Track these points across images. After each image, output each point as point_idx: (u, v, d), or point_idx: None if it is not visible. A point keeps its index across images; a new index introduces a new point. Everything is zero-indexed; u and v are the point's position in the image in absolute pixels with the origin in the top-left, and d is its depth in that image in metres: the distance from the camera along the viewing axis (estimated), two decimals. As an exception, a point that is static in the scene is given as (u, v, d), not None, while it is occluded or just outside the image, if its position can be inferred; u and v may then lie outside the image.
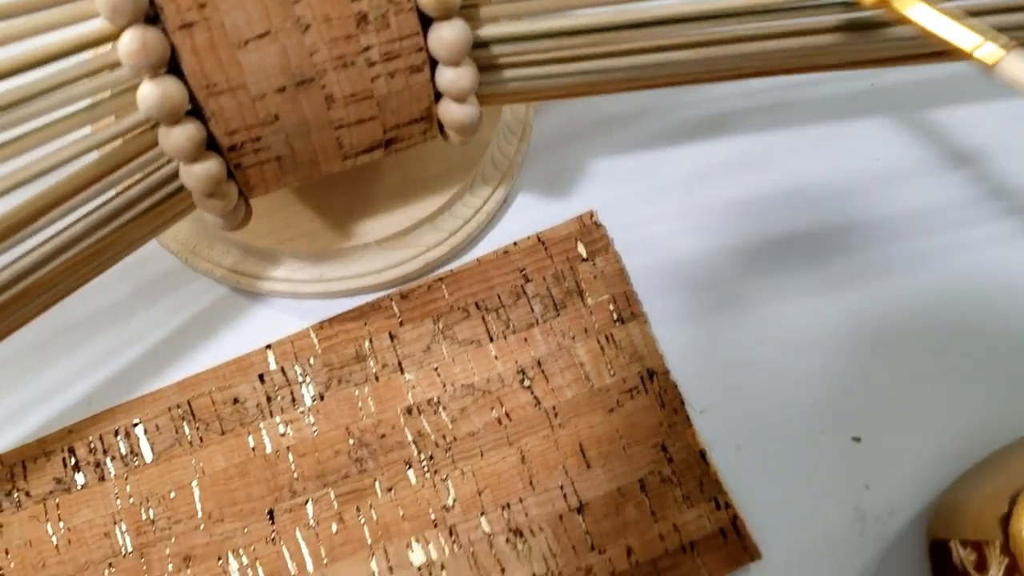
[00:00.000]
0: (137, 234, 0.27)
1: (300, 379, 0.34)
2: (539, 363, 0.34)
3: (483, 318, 0.35)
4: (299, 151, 0.27)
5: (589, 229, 0.36)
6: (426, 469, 0.33)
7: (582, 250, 0.36)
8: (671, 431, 0.34)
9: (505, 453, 0.33)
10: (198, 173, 0.25)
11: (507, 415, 0.34)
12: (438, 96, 0.27)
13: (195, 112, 0.25)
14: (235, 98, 0.25)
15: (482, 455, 0.33)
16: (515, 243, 0.36)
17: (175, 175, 0.26)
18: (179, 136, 0.24)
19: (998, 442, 0.33)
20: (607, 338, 0.35)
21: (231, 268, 0.34)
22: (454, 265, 0.35)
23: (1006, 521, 0.27)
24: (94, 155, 0.25)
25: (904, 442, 0.34)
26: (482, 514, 0.32)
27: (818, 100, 0.37)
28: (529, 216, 0.36)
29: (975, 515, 0.30)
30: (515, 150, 0.36)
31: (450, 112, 0.27)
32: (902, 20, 0.26)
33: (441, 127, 0.29)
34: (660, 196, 0.37)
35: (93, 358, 0.34)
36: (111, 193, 0.26)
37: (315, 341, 0.34)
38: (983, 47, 0.24)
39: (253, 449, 0.33)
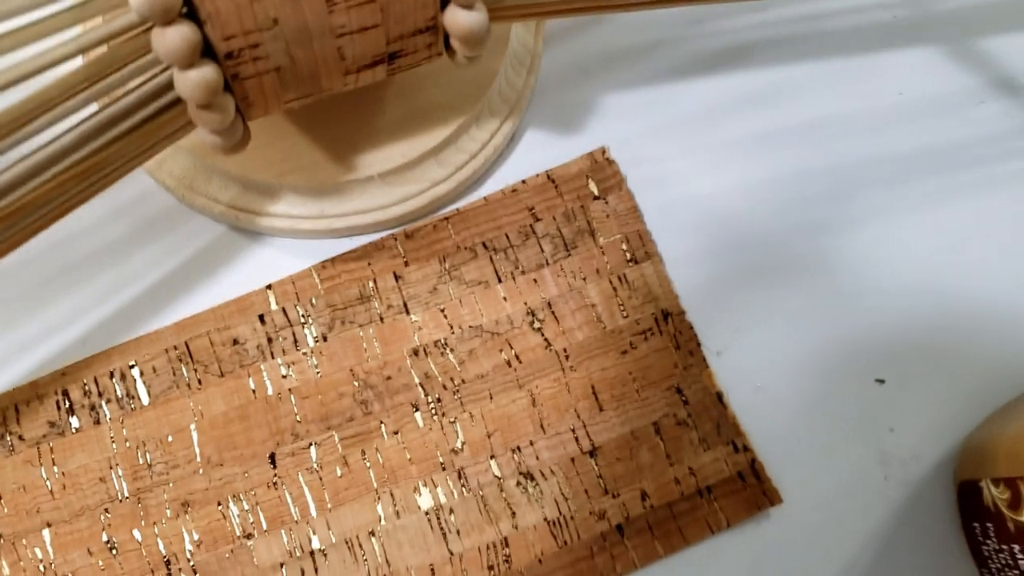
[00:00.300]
0: (131, 150, 0.26)
1: (302, 320, 0.33)
2: (549, 304, 0.33)
3: (491, 258, 0.33)
4: (299, 61, 0.26)
5: (601, 166, 0.35)
6: (434, 412, 0.32)
7: (594, 188, 0.34)
8: (686, 373, 0.32)
9: (515, 396, 0.32)
10: (194, 79, 0.24)
11: (517, 357, 0.32)
12: (444, 4, 0.26)
13: (191, 16, 0.24)
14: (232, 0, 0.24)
15: (491, 398, 0.32)
16: (524, 181, 0.34)
17: (170, 85, 0.25)
18: (173, 37, 0.23)
19: (1022, 386, 0.32)
20: (620, 279, 0.33)
21: (229, 204, 0.33)
22: (460, 204, 0.34)
23: (1042, 452, 0.26)
24: (81, 60, 0.24)
25: (929, 384, 0.32)
26: (492, 457, 0.31)
27: (838, 33, 0.36)
28: (538, 153, 0.35)
29: (1008, 452, 0.28)
30: (523, 82, 0.34)
31: (457, 19, 0.26)
32: None
33: (447, 43, 0.28)
34: (674, 132, 0.35)
35: (88, 299, 0.33)
36: (104, 101, 0.24)
37: (317, 281, 0.33)
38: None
39: (254, 391, 0.32)
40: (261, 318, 0.33)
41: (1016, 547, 0.27)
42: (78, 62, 0.24)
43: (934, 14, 0.37)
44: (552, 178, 0.35)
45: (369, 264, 0.33)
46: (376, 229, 0.33)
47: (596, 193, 0.34)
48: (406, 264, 0.33)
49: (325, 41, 0.25)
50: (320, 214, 0.33)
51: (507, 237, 0.34)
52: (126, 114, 0.25)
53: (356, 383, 0.32)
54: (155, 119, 0.25)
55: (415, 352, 0.32)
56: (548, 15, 0.29)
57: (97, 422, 0.32)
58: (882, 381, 0.33)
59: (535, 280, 0.33)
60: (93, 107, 0.25)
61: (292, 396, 0.32)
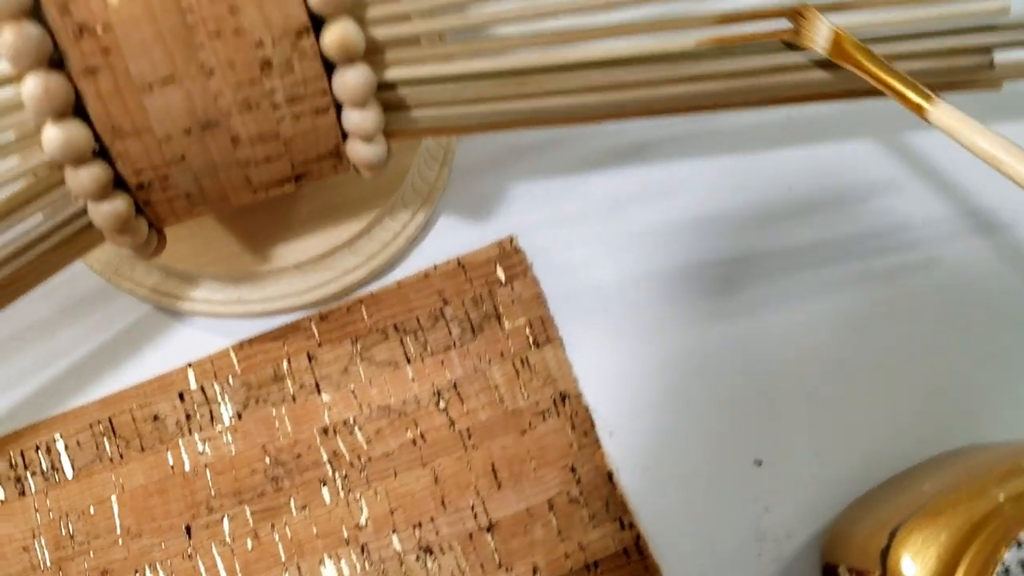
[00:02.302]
0: (51, 264, 0.28)
1: (219, 398, 0.35)
2: (455, 385, 0.35)
3: (401, 340, 0.36)
4: (207, 188, 0.27)
5: (508, 254, 0.37)
6: (340, 488, 0.34)
7: (501, 275, 0.37)
8: (580, 453, 0.35)
9: (419, 474, 0.34)
10: (105, 212, 0.26)
11: (422, 436, 0.35)
12: (346, 135, 0.28)
13: (102, 152, 0.26)
14: (141, 140, 0.25)
15: (396, 475, 0.34)
16: (435, 266, 0.37)
17: (84, 211, 0.27)
18: (85, 177, 0.25)
19: (892, 469, 0.35)
20: (522, 361, 0.36)
21: (152, 288, 0.35)
22: (374, 287, 0.36)
23: (885, 554, 0.29)
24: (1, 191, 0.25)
25: (803, 466, 0.35)
26: (394, 532, 0.34)
27: (734, 130, 0.38)
28: (451, 238, 0.37)
29: (860, 544, 0.31)
30: (436, 175, 0.37)
31: (357, 151, 0.28)
32: (854, 68, 0.27)
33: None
34: (579, 221, 0.38)
35: (17, 373, 0.35)
36: (20, 228, 0.26)
37: (234, 361, 0.35)
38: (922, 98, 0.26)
39: (172, 466, 0.34)
40: (181, 396, 0.35)
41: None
42: (-4, 194, 0.25)
43: (825, 116, 0.39)
44: (462, 264, 0.37)
45: (284, 345, 0.35)
46: (292, 311, 0.35)
47: (503, 280, 0.37)
48: (320, 345, 0.36)
49: (231, 171, 0.27)
50: (238, 300, 0.35)
51: (417, 320, 0.36)
52: (43, 238, 0.27)
53: (268, 459, 0.34)
54: (71, 241, 0.27)
55: (324, 431, 0.35)
56: (447, 135, 0.31)
57: (22, 493, 0.34)
58: (760, 463, 0.35)
59: (442, 362, 0.36)
60: (10, 234, 0.27)
61: (208, 471, 0.34)
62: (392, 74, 0.27)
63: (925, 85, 0.28)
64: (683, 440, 0.35)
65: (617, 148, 0.38)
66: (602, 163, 0.38)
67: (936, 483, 0.31)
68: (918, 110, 0.27)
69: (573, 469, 0.34)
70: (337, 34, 0.25)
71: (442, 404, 0.35)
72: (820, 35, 0.29)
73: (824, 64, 0.30)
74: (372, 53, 0.27)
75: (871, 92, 0.30)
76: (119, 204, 0.26)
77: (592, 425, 0.35)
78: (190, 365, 0.35)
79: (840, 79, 0.30)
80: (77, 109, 0.25)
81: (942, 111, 0.27)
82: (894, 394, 0.36)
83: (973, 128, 0.26)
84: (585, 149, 0.38)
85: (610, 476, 0.34)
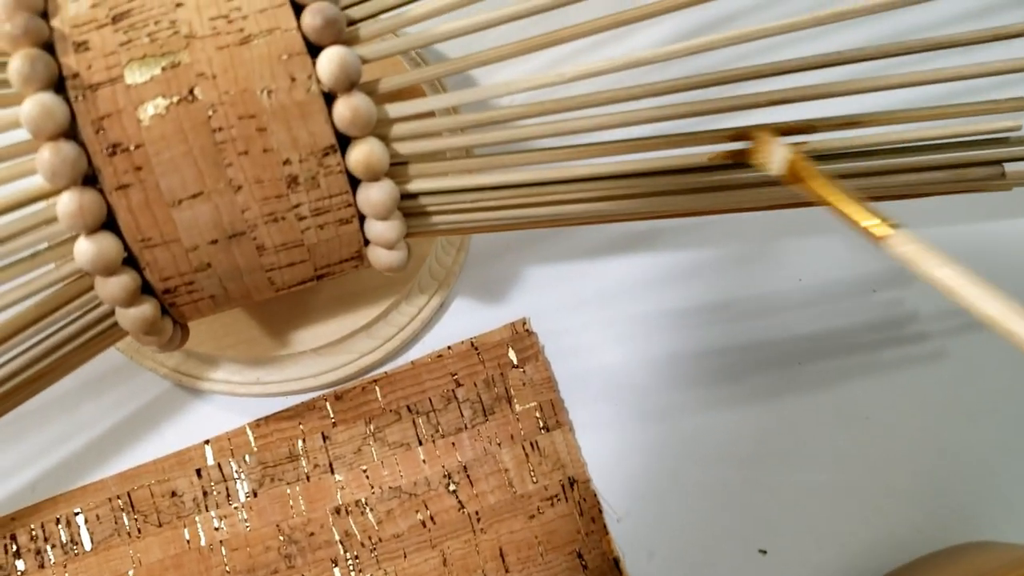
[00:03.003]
0: (75, 361, 0.29)
1: (235, 475, 0.36)
2: (465, 468, 0.36)
3: (414, 421, 0.36)
4: (232, 290, 0.28)
5: (521, 336, 0.38)
6: (351, 568, 0.35)
7: (513, 357, 0.37)
8: (588, 539, 0.35)
9: (428, 555, 0.35)
10: (133, 316, 0.27)
11: (431, 518, 0.35)
12: (368, 241, 0.29)
13: (130, 259, 0.26)
14: (169, 250, 0.26)
15: (405, 556, 0.35)
16: (449, 347, 0.37)
17: (111, 312, 0.28)
18: (114, 287, 0.26)
19: (894, 561, 0.35)
20: (532, 445, 0.36)
21: (173, 368, 0.36)
22: (389, 366, 0.37)
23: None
24: (33, 298, 0.26)
25: (806, 556, 0.35)
26: (402, 614, 0.34)
27: (744, 219, 0.39)
28: (465, 320, 0.38)
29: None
30: (453, 260, 0.37)
31: (378, 256, 0.29)
32: (808, 192, 0.28)
33: (372, 262, 0.30)
34: (591, 305, 0.38)
35: (39, 447, 0.36)
36: (51, 330, 0.27)
37: (251, 439, 0.36)
38: (875, 224, 0.26)
39: (188, 542, 0.35)
40: (199, 472, 0.36)
41: None
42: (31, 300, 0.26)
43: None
44: (475, 346, 0.37)
45: (300, 424, 0.36)
46: (308, 391, 0.36)
47: (515, 362, 0.37)
48: (334, 425, 0.36)
49: (256, 276, 0.28)
50: (256, 381, 0.36)
51: (430, 401, 0.37)
52: (71, 339, 0.27)
53: (281, 537, 0.35)
54: (96, 339, 0.28)
55: (337, 511, 0.35)
56: (466, 234, 0.32)
57: (42, 566, 0.34)
58: (764, 552, 0.36)
59: (453, 444, 0.36)
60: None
61: (223, 548, 0.35)
62: (415, 186, 0.28)
63: (935, 192, 0.28)
64: (689, 527, 0.36)
65: (629, 234, 0.39)
66: (614, 249, 0.39)
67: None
68: (874, 238, 0.27)
69: (580, 555, 0.35)
70: (363, 154, 0.26)
71: (452, 486, 0.36)
72: (775, 157, 0.28)
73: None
74: (396, 166, 0.28)
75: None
76: (146, 309, 0.27)
77: (600, 511, 0.36)
78: (207, 442, 0.36)
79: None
80: (108, 221, 0.26)
81: (900, 240, 0.26)
82: (897, 487, 0.36)
83: (932, 260, 0.25)
84: (597, 235, 0.39)
85: (616, 562, 0.35)
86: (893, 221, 0.27)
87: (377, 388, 0.37)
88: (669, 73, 0.28)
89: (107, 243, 0.25)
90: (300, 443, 0.36)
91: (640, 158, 0.29)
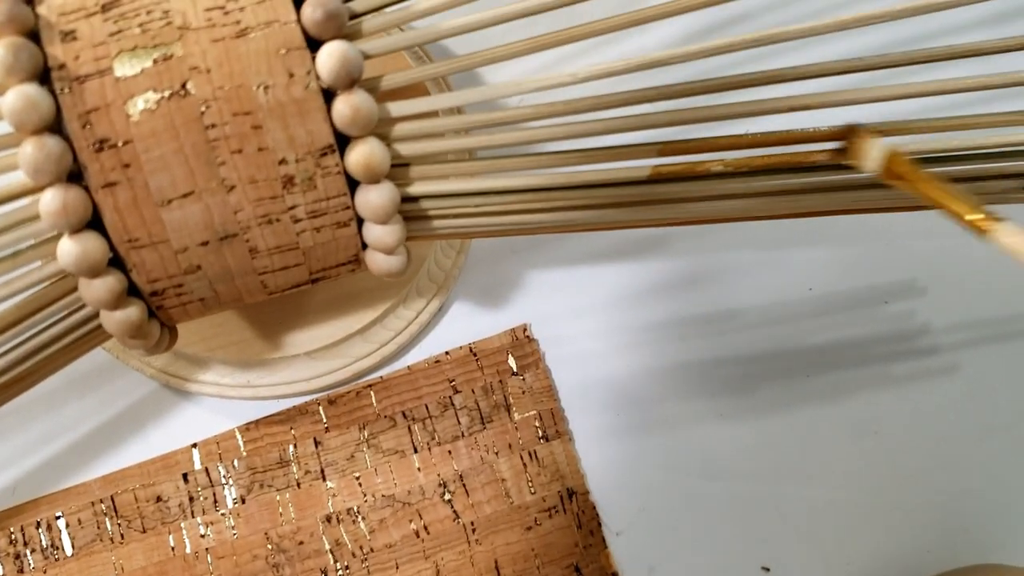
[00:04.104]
0: (58, 363, 0.28)
1: (223, 480, 0.34)
2: (461, 477, 0.35)
3: (409, 428, 0.35)
4: (222, 293, 0.27)
5: (521, 343, 0.36)
6: (341, 579, 0.34)
7: (513, 364, 0.36)
8: (586, 552, 0.34)
9: (420, 567, 0.34)
10: (118, 319, 0.26)
11: (425, 528, 0.34)
12: (365, 244, 0.28)
13: (116, 260, 0.25)
14: (157, 252, 0.25)
15: (397, 567, 0.34)
16: (447, 353, 0.36)
17: (96, 315, 0.26)
18: (99, 288, 0.25)
19: (901, 582, 0.34)
20: (530, 455, 0.35)
21: (161, 368, 0.34)
22: (385, 371, 0.36)
23: None
24: (15, 298, 0.25)
25: (811, 575, 0.34)
26: (393, 627, 0.33)
27: (754, 226, 0.38)
28: (463, 325, 0.37)
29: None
30: (452, 262, 0.36)
31: (377, 261, 0.28)
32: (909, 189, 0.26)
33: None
34: (594, 312, 0.37)
35: (20, 447, 0.35)
36: (33, 331, 0.26)
37: (240, 443, 0.35)
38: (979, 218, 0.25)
39: (173, 549, 0.34)
40: (185, 476, 0.34)
41: None
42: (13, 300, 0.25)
43: (847, 216, 0.38)
44: (474, 351, 0.36)
45: (291, 428, 0.35)
46: (300, 396, 0.35)
47: (515, 369, 0.36)
48: (327, 430, 0.35)
49: (248, 278, 0.27)
50: (246, 384, 0.34)
51: (427, 408, 0.36)
52: (54, 340, 0.26)
53: (270, 546, 0.34)
54: (80, 341, 0.27)
55: (328, 519, 0.34)
56: (472, 237, 0.30)
57: (21, 571, 0.33)
58: (767, 569, 0.35)
59: (449, 452, 0.35)
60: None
61: (209, 555, 0.34)
62: (416, 189, 0.27)
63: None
64: (690, 543, 0.35)
65: (635, 240, 0.38)
66: (619, 254, 0.38)
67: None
68: (980, 231, 0.26)
69: (578, 569, 0.34)
70: (362, 154, 0.25)
71: (447, 496, 0.35)
72: (872, 155, 0.27)
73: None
74: (397, 167, 0.26)
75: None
76: (132, 312, 0.26)
77: (599, 524, 0.35)
78: (195, 445, 0.35)
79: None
80: (93, 220, 0.24)
81: (1007, 232, 0.26)
82: (906, 504, 0.35)
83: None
84: (602, 240, 0.38)
85: (614, 577, 0.34)
86: (996, 215, 0.26)
87: (372, 393, 0.36)
88: (683, 74, 0.27)
89: (92, 243, 0.24)
90: (291, 448, 0.35)
91: (659, 161, 0.27)
